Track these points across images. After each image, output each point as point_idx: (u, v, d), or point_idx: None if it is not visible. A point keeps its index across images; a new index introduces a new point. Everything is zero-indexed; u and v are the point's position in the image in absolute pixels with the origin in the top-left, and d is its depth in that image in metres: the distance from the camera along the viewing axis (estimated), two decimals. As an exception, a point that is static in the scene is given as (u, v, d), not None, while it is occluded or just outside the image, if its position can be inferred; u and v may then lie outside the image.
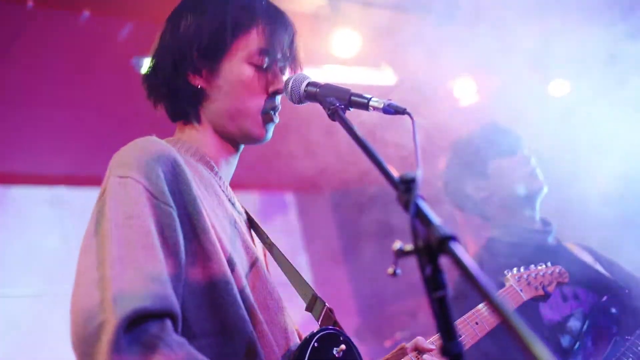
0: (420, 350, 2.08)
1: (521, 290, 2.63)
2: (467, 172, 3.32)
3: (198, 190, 1.75)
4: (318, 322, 1.98)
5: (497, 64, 4.31)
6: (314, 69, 4.63)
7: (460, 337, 2.28)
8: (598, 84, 3.97)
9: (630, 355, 2.73)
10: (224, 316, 1.67)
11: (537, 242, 3.17)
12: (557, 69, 4.36)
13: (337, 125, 1.68)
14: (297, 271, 2.05)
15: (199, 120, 1.96)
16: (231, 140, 1.98)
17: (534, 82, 4.59)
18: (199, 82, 1.92)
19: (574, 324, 2.88)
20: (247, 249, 1.87)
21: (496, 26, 4.07)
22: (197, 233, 1.68)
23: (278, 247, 2.09)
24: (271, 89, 1.92)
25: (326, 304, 2.00)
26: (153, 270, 1.52)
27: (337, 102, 1.72)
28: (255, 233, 2.08)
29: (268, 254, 2.13)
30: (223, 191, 1.94)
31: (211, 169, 1.93)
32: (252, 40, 1.91)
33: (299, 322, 2.07)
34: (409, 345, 2.11)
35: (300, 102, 1.86)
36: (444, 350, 1.16)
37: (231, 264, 1.73)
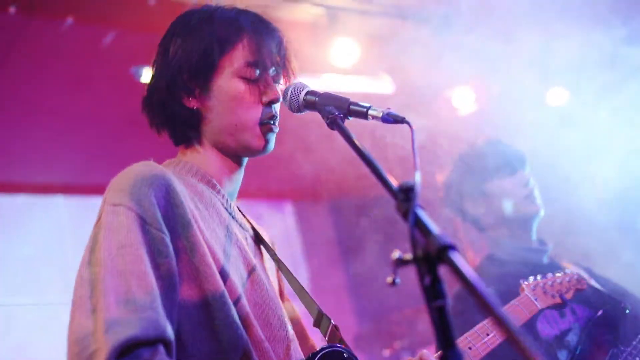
0: None
1: (536, 299, 2.61)
2: (467, 188, 3.33)
3: (196, 211, 1.78)
4: (325, 338, 1.98)
5: (496, 72, 4.33)
6: (312, 77, 4.64)
7: (471, 348, 2.28)
8: (596, 90, 3.98)
9: (627, 366, 2.73)
10: (221, 337, 1.68)
11: (532, 261, 3.18)
12: (555, 77, 4.37)
13: (336, 133, 1.68)
14: (302, 287, 2.05)
15: (199, 141, 1.97)
16: (233, 156, 1.98)
17: (533, 90, 4.60)
18: (193, 104, 1.92)
19: (571, 338, 2.87)
20: (248, 267, 1.87)
21: (494, 34, 4.08)
22: (191, 256, 1.69)
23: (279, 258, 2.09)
24: (265, 99, 1.91)
25: (332, 320, 2.00)
26: (145, 298, 1.55)
27: (336, 111, 1.71)
28: (265, 249, 2.08)
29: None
30: (226, 209, 1.94)
31: (213, 187, 1.93)
32: (240, 55, 1.90)
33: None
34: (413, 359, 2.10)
35: (299, 111, 1.86)
36: (443, 359, 1.15)
37: (227, 283, 1.74)
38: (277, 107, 1.96)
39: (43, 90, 4.43)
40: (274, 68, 1.95)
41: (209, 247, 1.74)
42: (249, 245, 1.97)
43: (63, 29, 4.09)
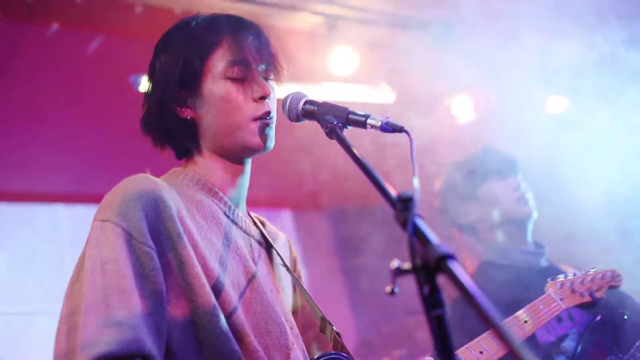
0: None
1: (561, 298, 2.56)
2: (459, 195, 3.35)
3: (190, 222, 1.78)
4: (331, 344, 1.99)
5: (495, 80, 4.33)
6: (311, 86, 4.65)
7: (482, 353, 2.27)
8: (596, 95, 3.98)
9: (627, 372, 2.72)
10: (211, 349, 1.69)
11: (530, 265, 3.17)
12: (555, 82, 4.37)
13: (335, 142, 1.69)
14: (307, 292, 2.06)
15: (200, 151, 1.97)
16: (234, 158, 1.97)
17: (532, 97, 4.60)
18: (187, 114, 1.93)
19: (568, 344, 2.85)
20: (248, 275, 1.86)
21: (494, 42, 4.09)
22: (181, 270, 1.70)
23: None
24: (255, 96, 1.90)
25: (334, 327, 2.00)
26: (124, 314, 1.57)
27: (335, 120, 1.71)
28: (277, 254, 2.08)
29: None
30: (228, 216, 1.94)
31: (214, 195, 1.93)
32: (221, 56, 1.90)
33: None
34: None
35: (298, 120, 1.85)
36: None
37: (222, 294, 1.74)
38: (272, 104, 1.94)
39: (43, 98, 4.44)
40: (262, 65, 1.94)
41: (203, 260, 1.75)
42: (253, 251, 1.96)
43: (64, 37, 4.11)
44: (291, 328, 1.93)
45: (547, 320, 2.53)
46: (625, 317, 2.88)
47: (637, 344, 2.78)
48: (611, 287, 2.68)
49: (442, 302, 1.16)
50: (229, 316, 1.74)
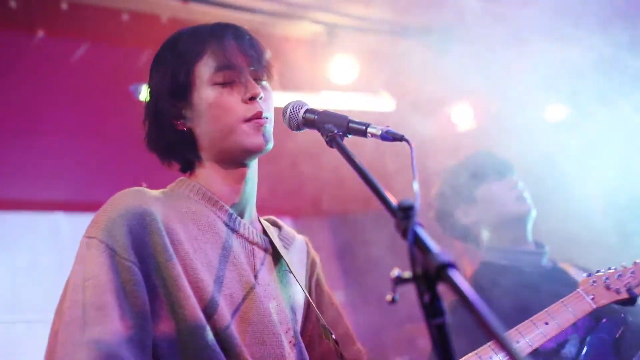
0: None
1: (593, 297, 2.41)
2: (457, 198, 3.34)
3: (183, 233, 1.80)
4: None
5: (495, 88, 4.34)
6: (312, 95, 4.65)
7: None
8: (597, 98, 3.98)
9: (631, 380, 2.68)
10: None
11: (531, 264, 3.15)
12: (556, 88, 4.37)
13: (335, 150, 1.69)
14: (309, 298, 2.04)
15: (200, 161, 1.97)
16: (234, 163, 1.95)
17: (533, 104, 4.61)
18: (183, 126, 1.94)
19: (569, 350, 2.80)
20: (246, 285, 1.86)
21: (494, 49, 4.10)
22: (166, 282, 1.72)
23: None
24: (245, 97, 1.90)
25: (333, 335, 1.99)
26: (101, 331, 1.59)
27: (335, 129, 1.71)
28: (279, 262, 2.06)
29: (314, 286, 2.16)
30: (227, 224, 1.93)
31: (214, 204, 1.93)
32: (207, 63, 1.91)
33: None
34: None
35: (298, 129, 1.85)
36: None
37: (212, 305, 1.75)
38: (265, 104, 1.93)
39: (44, 106, 4.45)
40: (251, 66, 1.93)
41: (193, 272, 1.76)
42: (255, 260, 1.95)
43: (64, 45, 4.12)
44: (294, 337, 1.91)
45: (573, 321, 2.39)
46: (629, 320, 2.85)
47: None
48: None
49: (442, 311, 1.17)
50: (219, 328, 1.74)
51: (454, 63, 4.22)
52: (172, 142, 1.96)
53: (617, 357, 2.76)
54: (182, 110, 1.93)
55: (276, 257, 2.03)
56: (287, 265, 2.03)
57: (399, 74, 4.36)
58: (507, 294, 2.80)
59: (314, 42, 4.85)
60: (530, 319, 2.42)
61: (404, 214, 1.29)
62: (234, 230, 1.94)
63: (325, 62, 4.87)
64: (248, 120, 1.88)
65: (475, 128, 5.38)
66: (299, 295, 2.04)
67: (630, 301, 2.41)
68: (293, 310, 2.00)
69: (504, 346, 1.05)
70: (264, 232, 2.05)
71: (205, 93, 1.90)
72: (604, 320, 2.82)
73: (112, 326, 1.60)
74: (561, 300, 2.43)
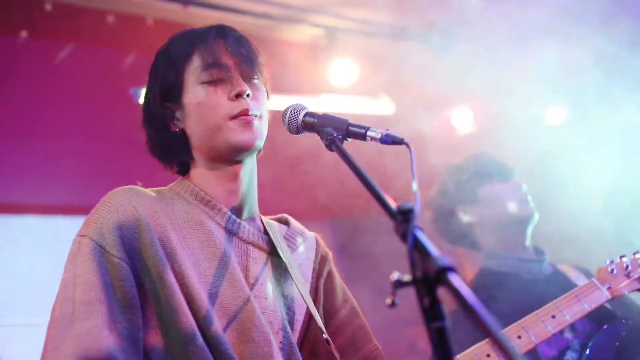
0: None
1: (608, 286, 2.31)
2: (459, 196, 3.29)
3: (175, 232, 1.82)
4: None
5: (496, 89, 4.34)
6: (311, 98, 4.66)
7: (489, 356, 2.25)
8: (597, 99, 3.98)
9: (633, 385, 2.66)
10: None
11: (531, 272, 3.10)
12: (556, 89, 4.37)
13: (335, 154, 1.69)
14: (309, 297, 2.04)
15: (194, 162, 1.98)
16: (226, 162, 1.94)
17: (533, 107, 4.61)
18: (176, 127, 1.96)
19: (570, 356, 2.76)
20: (235, 284, 1.85)
21: (494, 52, 4.10)
22: (154, 283, 1.74)
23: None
24: (231, 95, 1.89)
25: (324, 334, 1.98)
26: (89, 325, 1.62)
27: (335, 133, 1.71)
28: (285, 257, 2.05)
29: (324, 283, 2.16)
30: (220, 224, 1.92)
31: (206, 204, 1.93)
32: (195, 63, 1.92)
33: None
34: None
35: (297, 132, 1.84)
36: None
37: (198, 303, 1.76)
38: (256, 101, 1.92)
39: (43, 110, 4.45)
40: (241, 65, 1.93)
41: (181, 271, 1.77)
42: (249, 259, 1.94)
43: (63, 50, 4.12)
44: (285, 337, 1.90)
45: (585, 313, 2.30)
46: (630, 324, 2.83)
47: None
48: None
49: (442, 315, 1.16)
50: (206, 326, 1.74)
51: (454, 64, 4.22)
52: (168, 144, 1.98)
53: (619, 361, 2.74)
54: (175, 112, 1.95)
55: (275, 256, 2.01)
56: (287, 265, 2.01)
57: (398, 76, 4.36)
58: (507, 302, 2.78)
59: (314, 45, 4.85)
60: (536, 312, 2.34)
61: (403, 217, 1.28)
62: (227, 230, 1.93)
63: (325, 65, 4.87)
64: (234, 117, 1.88)
65: (475, 130, 5.37)
66: (299, 295, 2.02)
67: None
68: (290, 310, 1.98)
69: (505, 350, 1.04)
70: (265, 231, 2.04)
71: (194, 93, 1.91)
72: (605, 326, 2.78)
73: (100, 320, 1.63)
74: (572, 291, 2.35)
